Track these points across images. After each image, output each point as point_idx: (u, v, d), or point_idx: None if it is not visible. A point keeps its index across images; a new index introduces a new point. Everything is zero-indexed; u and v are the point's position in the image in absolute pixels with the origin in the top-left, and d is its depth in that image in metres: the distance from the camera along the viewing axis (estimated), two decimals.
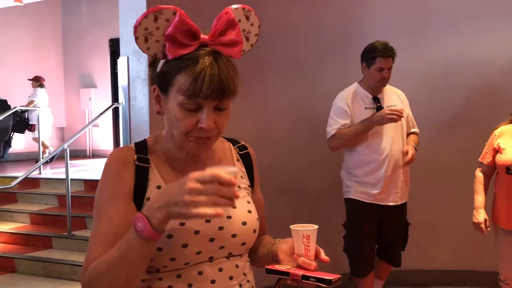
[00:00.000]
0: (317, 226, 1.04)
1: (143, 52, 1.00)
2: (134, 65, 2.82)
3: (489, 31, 3.50)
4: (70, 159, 4.55)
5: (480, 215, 2.66)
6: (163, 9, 0.97)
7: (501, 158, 2.60)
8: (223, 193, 0.86)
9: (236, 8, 1.04)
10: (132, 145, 1.11)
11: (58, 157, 5.22)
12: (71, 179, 4.53)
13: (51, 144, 8.37)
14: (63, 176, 4.72)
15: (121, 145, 3.17)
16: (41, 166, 5.47)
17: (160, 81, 1.04)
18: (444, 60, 3.59)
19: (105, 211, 1.02)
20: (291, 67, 3.45)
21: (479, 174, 2.76)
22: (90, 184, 5.18)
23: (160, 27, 0.98)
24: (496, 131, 2.70)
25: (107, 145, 8.67)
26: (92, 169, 6.48)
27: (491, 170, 2.73)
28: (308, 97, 3.47)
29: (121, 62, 2.83)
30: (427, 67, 3.62)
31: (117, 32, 3.09)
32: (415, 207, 3.46)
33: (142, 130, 2.78)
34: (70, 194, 4.40)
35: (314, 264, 1.02)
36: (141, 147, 1.10)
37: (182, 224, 1.01)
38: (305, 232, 1.03)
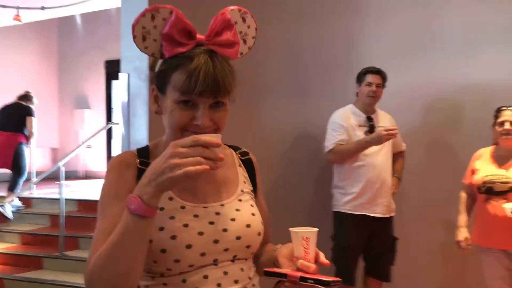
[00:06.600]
0: (317, 229, 1.03)
1: (141, 51, 1.02)
2: (135, 82, 2.82)
3: (483, 54, 3.54)
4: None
5: (461, 234, 2.84)
6: (159, 8, 0.99)
7: (474, 179, 2.81)
8: (206, 155, 0.87)
9: (232, 10, 1.06)
10: (134, 150, 1.12)
11: (49, 178, 5.17)
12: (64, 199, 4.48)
13: (44, 165, 8.31)
14: (55, 196, 4.68)
15: None
16: (33, 185, 5.45)
17: (158, 80, 1.05)
18: (440, 81, 3.63)
19: (107, 210, 1.03)
20: (290, 86, 3.49)
21: (462, 194, 2.96)
22: (84, 204, 5.14)
23: (157, 25, 1.00)
24: (476, 153, 2.92)
25: (100, 166, 8.63)
26: (86, 190, 6.43)
27: (472, 190, 2.89)
28: (307, 116, 3.50)
29: (122, 78, 2.83)
30: (424, 88, 3.65)
31: (113, 54, 3.11)
32: (404, 224, 3.46)
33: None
34: (64, 214, 4.36)
35: (313, 266, 1.00)
36: (143, 152, 1.11)
37: (185, 225, 1.02)
38: (304, 234, 1.01)
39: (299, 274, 0.98)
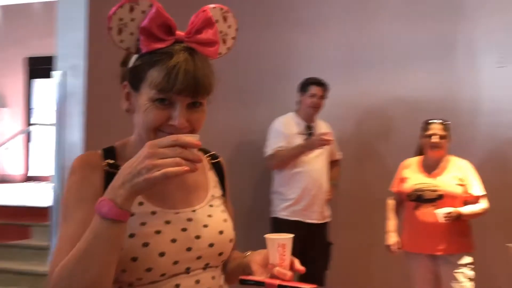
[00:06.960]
0: (293, 235, 1.02)
1: (116, 44, 0.95)
2: (71, 80, 2.67)
3: (411, 69, 3.74)
4: None
5: (391, 238, 2.99)
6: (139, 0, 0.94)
7: (403, 187, 2.94)
8: (185, 156, 0.83)
9: (214, 8, 1.02)
10: (99, 151, 1.04)
11: None
12: None
13: None
14: None
15: (39, 167, 2.92)
16: None
17: (131, 77, 0.99)
18: (371, 94, 3.78)
19: (71, 215, 0.95)
20: (230, 92, 3.48)
21: (390, 201, 3.09)
22: None
23: (135, 18, 0.94)
24: (404, 163, 3.05)
25: (16, 170, 8.07)
26: (1, 195, 5.97)
27: (400, 197, 3.03)
28: (246, 122, 3.54)
29: (57, 76, 2.66)
30: (357, 100, 3.79)
31: (35, 51, 2.92)
32: (338, 230, 3.57)
33: (74, 149, 2.63)
34: None
35: (289, 273, 1.00)
36: (109, 153, 1.04)
37: (158, 232, 0.97)
38: (280, 241, 1.01)
39: (277, 281, 0.97)
